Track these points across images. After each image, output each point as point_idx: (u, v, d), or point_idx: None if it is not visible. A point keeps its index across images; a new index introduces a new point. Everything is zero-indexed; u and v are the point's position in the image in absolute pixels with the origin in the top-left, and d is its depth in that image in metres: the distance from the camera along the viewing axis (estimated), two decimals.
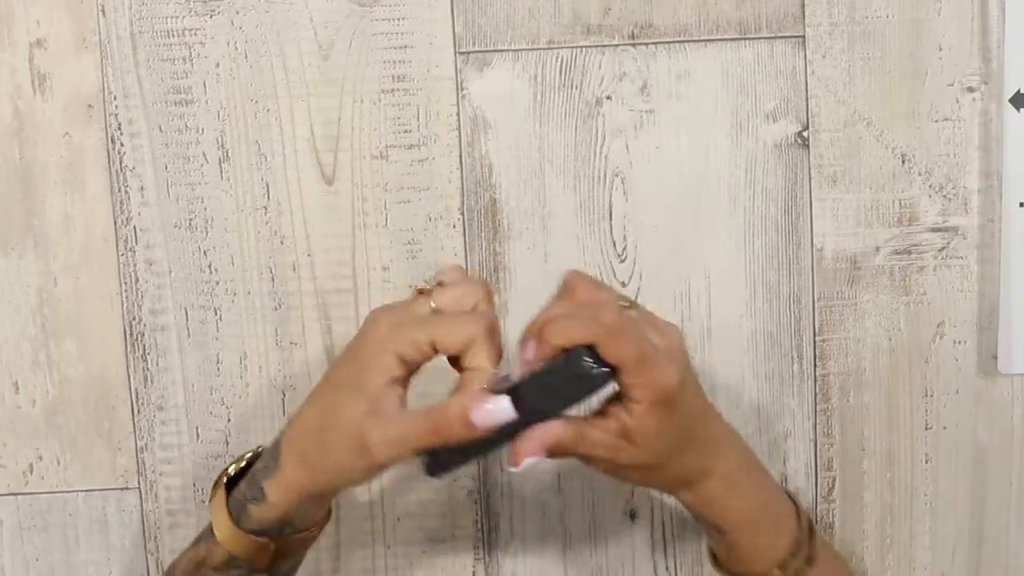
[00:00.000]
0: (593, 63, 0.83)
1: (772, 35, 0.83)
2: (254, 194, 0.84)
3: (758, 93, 0.84)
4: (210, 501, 0.72)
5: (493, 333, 0.67)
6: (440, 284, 0.69)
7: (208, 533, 0.72)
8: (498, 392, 0.64)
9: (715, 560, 0.77)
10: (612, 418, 0.66)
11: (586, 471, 0.87)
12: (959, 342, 0.86)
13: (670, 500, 0.87)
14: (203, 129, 0.84)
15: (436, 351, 0.66)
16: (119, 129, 0.84)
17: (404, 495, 0.87)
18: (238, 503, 0.71)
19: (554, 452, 0.66)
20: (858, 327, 0.86)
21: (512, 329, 0.85)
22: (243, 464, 0.74)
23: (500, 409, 0.64)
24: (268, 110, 0.84)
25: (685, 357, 0.68)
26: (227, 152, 0.84)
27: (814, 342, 0.86)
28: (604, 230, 0.85)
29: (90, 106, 0.84)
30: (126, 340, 0.86)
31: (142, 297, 0.85)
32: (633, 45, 0.83)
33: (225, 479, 0.73)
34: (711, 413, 0.72)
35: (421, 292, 0.68)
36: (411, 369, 0.67)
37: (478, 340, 0.66)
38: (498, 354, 0.67)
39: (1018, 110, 0.82)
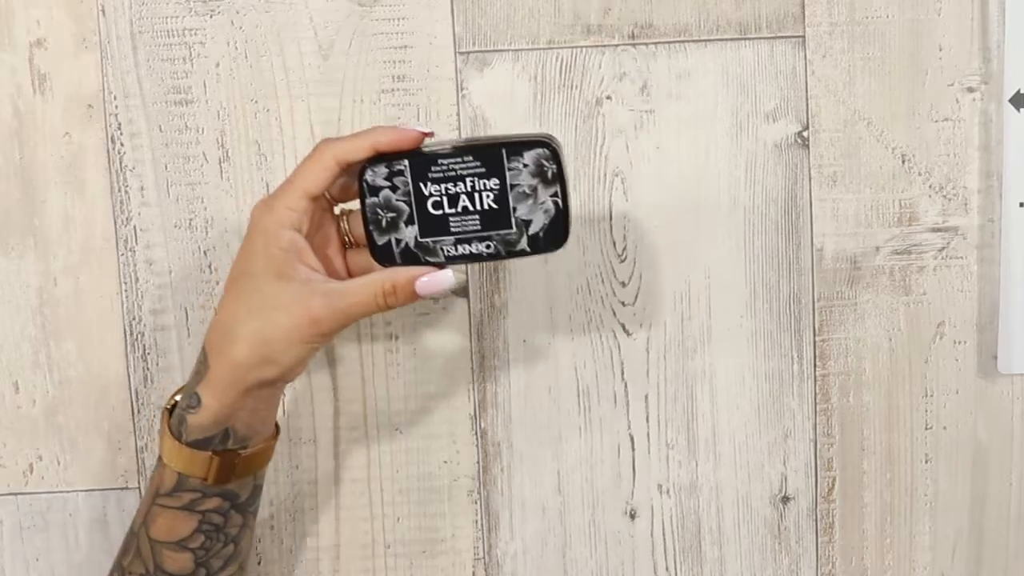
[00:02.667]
0: (593, 63, 0.83)
1: (772, 35, 0.83)
2: (254, 194, 0.84)
3: (758, 93, 0.84)
4: (159, 432, 0.73)
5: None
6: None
7: (158, 462, 0.72)
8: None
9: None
10: None
11: (586, 471, 0.87)
12: (959, 342, 0.86)
13: (670, 500, 0.87)
14: (203, 129, 0.84)
15: (311, 193, 0.68)
16: (119, 129, 0.84)
17: (404, 495, 0.87)
18: (177, 417, 0.71)
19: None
20: (858, 327, 0.86)
21: (512, 328, 0.86)
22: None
23: (446, 279, 0.68)
24: (268, 110, 0.84)
25: None
26: (227, 152, 0.84)
27: (814, 342, 0.86)
28: (604, 230, 0.85)
29: (90, 106, 0.84)
30: (126, 340, 0.86)
31: (142, 297, 0.85)
32: (633, 45, 0.83)
33: (169, 406, 0.73)
34: None
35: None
36: (305, 228, 0.68)
37: (343, 140, 0.69)
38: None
39: (1018, 110, 0.82)
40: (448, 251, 0.69)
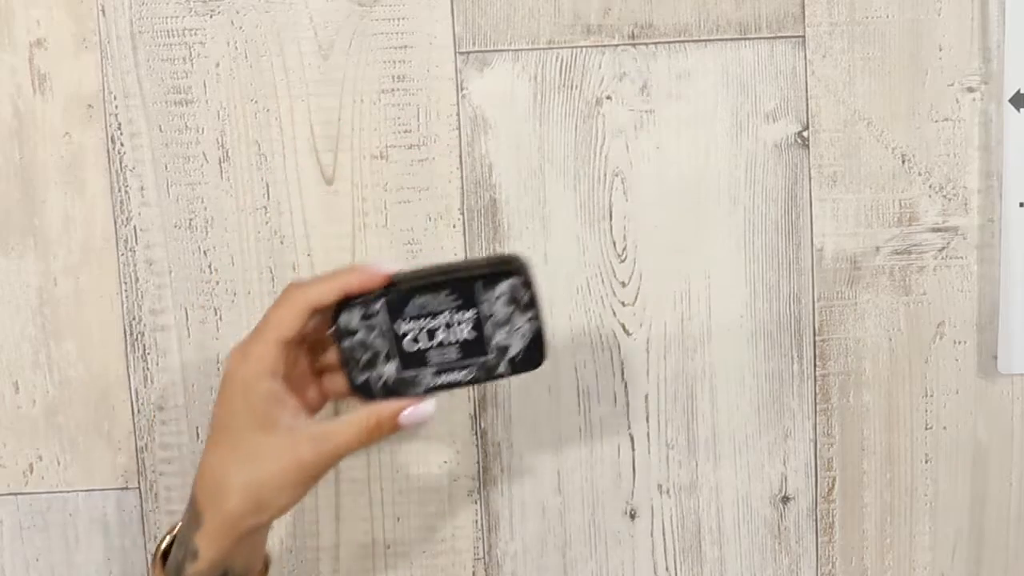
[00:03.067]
0: (593, 63, 0.83)
1: (772, 35, 0.83)
2: (254, 194, 0.84)
3: (758, 93, 0.84)
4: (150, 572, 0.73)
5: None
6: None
7: None
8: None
9: None
10: None
11: (586, 471, 0.87)
12: (959, 342, 0.86)
13: (670, 500, 0.87)
14: (203, 129, 0.84)
15: (285, 340, 0.67)
16: (119, 129, 0.84)
17: (404, 495, 0.87)
18: (174, 567, 0.71)
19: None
20: (858, 327, 0.86)
21: None
22: (175, 532, 0.74)
23: (427, 410, 0.69)
24: (268, 110, 0.84)
25: None
26: (227, 152, 0.84)
27: (814, 342, 0.86)
28: (604, 230, 0.85)
29: (90, 106, 0.84)
30: (126, 340, 0.86)
31: (142, 297, 0.85)
32: (633, 45, 0.83)
33: (160, 552, 0.73)
34: None
35: None
36: (282, 372, 0.68)
37: (315, 284, 0.68)
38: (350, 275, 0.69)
39: (1018, 110, 0.82)
40: (428, 382, 0.69)
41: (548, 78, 0.84)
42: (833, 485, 0.87)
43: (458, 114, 0.84)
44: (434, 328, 0.68)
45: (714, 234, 0.85)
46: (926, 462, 0.87)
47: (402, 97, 0.84)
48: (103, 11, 0.83)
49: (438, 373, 0.69)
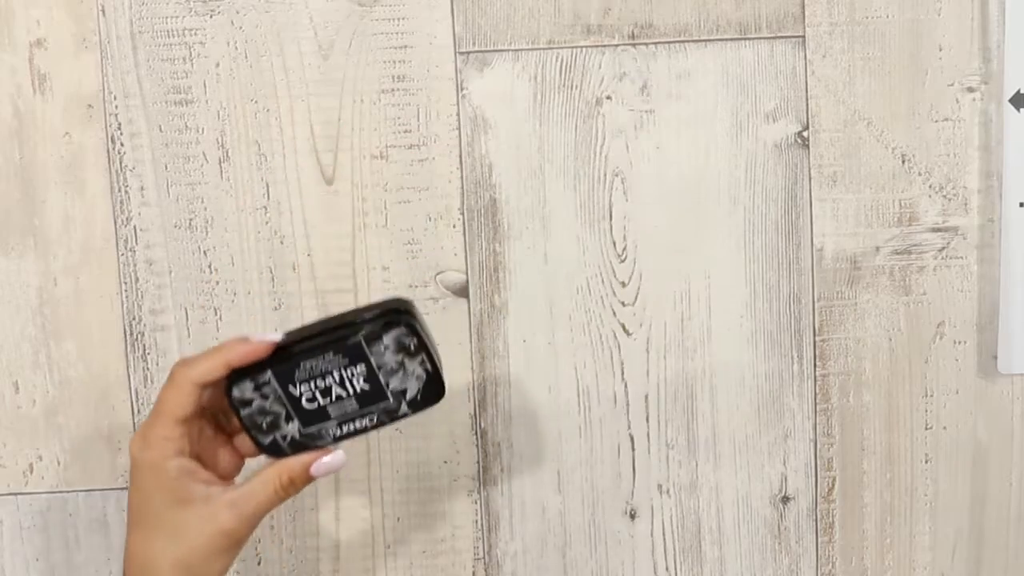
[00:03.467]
0: (593, 63, 0.83)
1: (772, 35, 0.83)
2: (254, 194, 0.84)
3: (758, 93, 0.84)
4: None
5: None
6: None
7: None
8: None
9: None
10: None
11: (586, 471, 0.87)
12: (959, 342, 0.86)
13: (670, 500, 0.87)
14: (203, 129, 0.84)
15: (181, 419, 0.68)
16: (119, 129, 0.84)
17: (404, 495, 0.87)
18: None
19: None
20: (858, 327, 0.86)
21: (512, 328, 0.86)
22: None
23: (337, 459, 0.70)
24: (268, 110, 0.84)
25: None
26: (227, 152, 0.84)
27: (814, 342, 0.86)
28: (604, 230, 0.85)
29: (90, 106, 0.84)
30: (126, 340, 0.86)
31: (142, 297, 0.85)
32: (633, 45, 0.83)
33: None
34: None
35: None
36: (187, 451, 0.69)
37: (200, 360, 0.68)
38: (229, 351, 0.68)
39: (1018, 110, 0.82)
40: (334, 432, 0.69)
41: (548, 78, 0.84)
42: (833, 485, 0.87)
43: (458, 114, 0.84)
44: (327, 386, 0.68)
45: (714, 234, 0.85)
46: (926, 462, 0.87)
47: (402, 97, 0.84)
48: (103, 11, 0.83)
49: (341, 423, 0.69)
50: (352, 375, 0.68)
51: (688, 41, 0.83)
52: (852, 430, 0.87)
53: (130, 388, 0.86)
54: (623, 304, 0.85)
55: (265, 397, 0.68)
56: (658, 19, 0.83)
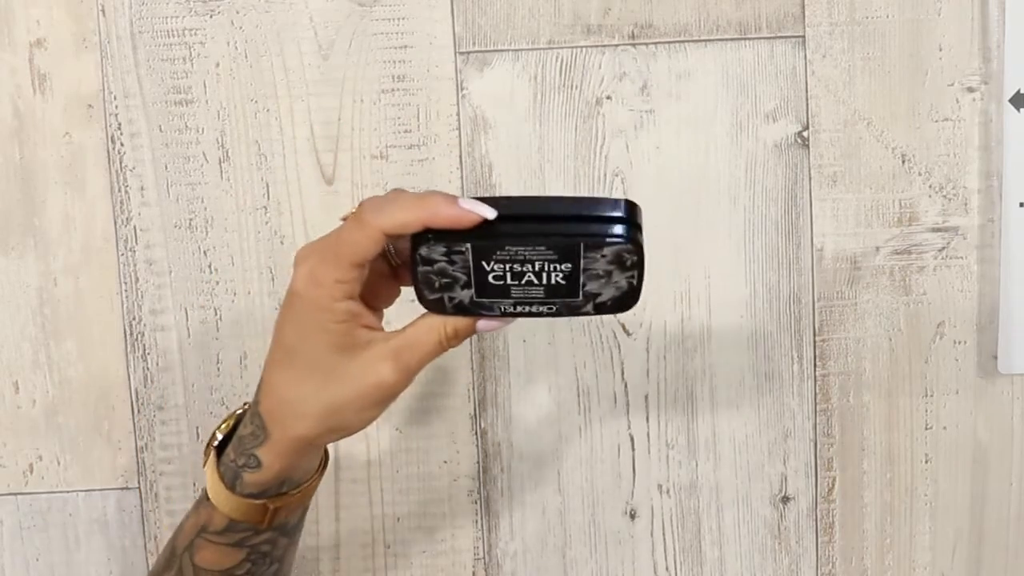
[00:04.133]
0: (593, 63, 0.83)
1: (772, 35, 0.83)
2: (254, 194, 0.84)
3: (758, 93, 0.84)
4: (204, 465, 0.70)
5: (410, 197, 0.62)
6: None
7: (205, 498, 0.70)
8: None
9: None
10: None
11: (586, 471, 0.87)
12: (959, 342, 0.86)
13: (670, 500, 0.87)
14: (203, 129, 0.84)
15: (359, 264, 0.63)
16: (119, 129, 0.84)
17: (404, 495, 0.87)
18: (231, 471, 0.68)
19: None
20: (858, 327, 0.86)
21: (512, 328, 0.86)
22: (232, 423, 0.71)
23: (507, 321, 0.64)
24: (268, 110, 0.84)
25: None
26: (227, 152, 0.84)
27: (814, 342, 0.86)
28: None
29: (90, 106, 0.84)
30: (126, 340, 0.86)
31: (142, 297, 0.85)
32: (633, 45, 0.83)
33: (216, 443, 0.70)
34: None
35: (344, 219, 0.65)
36: (357, 295, 0.64)
37: (395, 209, 0.62)
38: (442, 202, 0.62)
39: (1018, 110, 0.82)
40: (504, 308, 0.63)
41: (548, 78, 0.84)
42: (833, 485, 0.87)
43: (458, 114, 0.84)
44: (522, 272, 0.62)
45: (714, 234, 0.85)
46: (926, 462, 0.87)
47: (402, 97, 0.84)
48: (103, 11, 0.83)
49: (517, 304, 0.63)
50: (554, 269, 0.62)
51: (688, 41, 0.83)
52: (852, 430, 0.87)
53: (130, 388, 0.86)
54: None
55: (452, 263, 0.62)
56: (658, 19, 0.83)
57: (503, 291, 0.63)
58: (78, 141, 0.84)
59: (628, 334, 0.86)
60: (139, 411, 0.86)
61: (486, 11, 0.83)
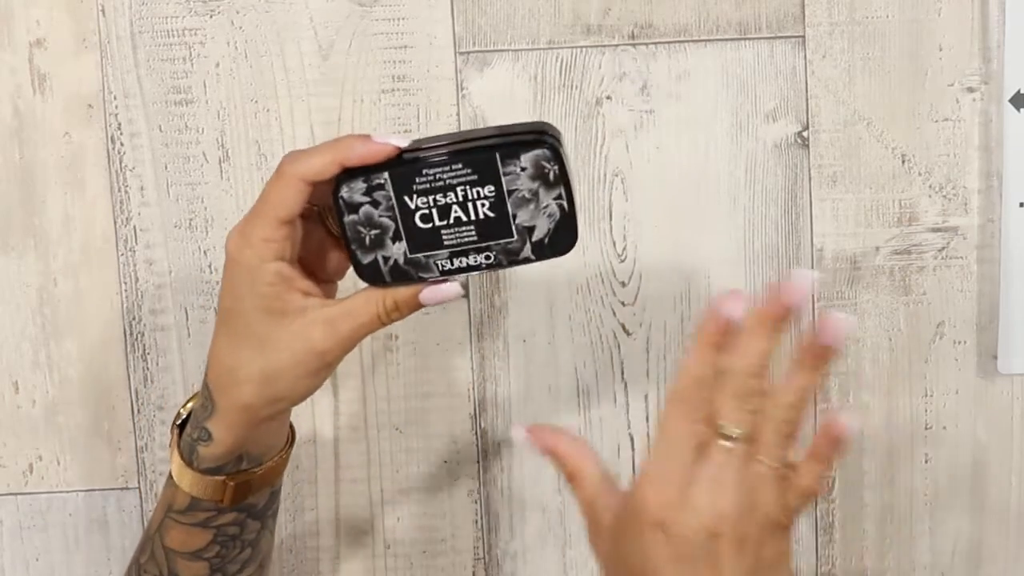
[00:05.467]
0: (593, 63, 0.83)
1: (772, 35, 0.83)
2: (254, 194, 0.84)
3: (758, 93, 0.84)
4: (169, 445, 0.70)
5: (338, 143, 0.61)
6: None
7: (170, 477, 0.70)
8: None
9: None
10: None
11: None
12: (959, 342, 0.86)
13: None
14: (203, 129, 0.84)
15: (286, 219, 0.61)
16: (119, 129, 0.84)
17: (404, 495, 0.87)
18: (188, 445, 0.68)
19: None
20: (858, 327, 0.86)
21: (512, 328, 0.85)
22: (191, 407, 0.70)
23: (451, 288, 0.62)
24: (268, 110, 0.84)
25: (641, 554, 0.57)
26: (227, 152, 0.84)
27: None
28: (604, 230, 0.85)
29: (90, 106, 0.84)
30: (126, 340, 0.86)
31: (142, 297, 0.85)
32: (633, 45, 0.83)
33: (179, 420, 0.70)
34: None
35: None
36: (288, 256, 0.63)
37: (313, 159, 0.61)
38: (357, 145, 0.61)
39: (1018, 110, 0.82)
40: (443, 265, 0.62)
41: (548, 78, 0.84)
42: (833, 485, 0.87)
43: (458, 114, 0.84)
44: (447, 204, 0.60)
45: (714, 234, 0.85)
46: (926, 462, 0.87)
47: (402, 97, 0.84)
48: (103, 11, 0.83)
49: (453, 256, 0.61)
50: (478, 195, 0.60)
51: (688, 41, 0.83)
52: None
53: (130, 388, 0.86)
54: (623, 304, 0.85)
55: (376, 204, 0.60)
56: (658, 19, 0.83)
57: (434, 238, 0.61)
58: (78, 141, 0.84)
59: (628, 334, 0.86)
60: (139, 411, 0.86)
61: (486, 11, 0.83)
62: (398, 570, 0.88)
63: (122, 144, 0.84)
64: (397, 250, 0.62)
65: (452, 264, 0.62)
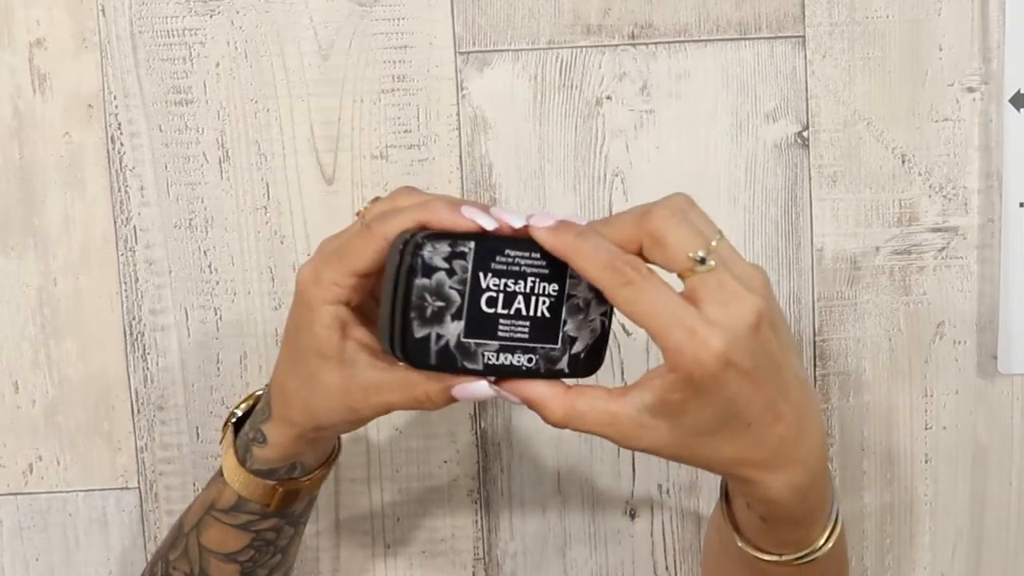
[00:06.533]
0: (593, 63, 0.84)
1: (772, 35, 0.83)
2: (254, 194, 0.84)
3: (758, 93, 0.84)
4: (221, 442, 0.72)
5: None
6: (376, 199, 0.64)
7: (218, 475, 0.71)
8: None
9: (728, 509, 0.68)
10: (626, 392, 0.60)
11: (586, 471, 0.87)
12: (959, 342, 0.86)
13: (670, 500, 0.87)
14: (203, 129, 0.84)
15: (359, 272, 0.61)
16: (119, 129, 0.84)
17: (404, 495, 0.87)
18: (244, 444, 0.70)
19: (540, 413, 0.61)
20: (858, 327, 0.86)
21: None
22: (251, 403, 0.72)
23: (482, 390, 0.60)
24: (268, 110, 0.84)
25: (747, 328, 0.56)
26: (227, 152, 0.84)
27: (814, 342, 0.86)
28: None
29: (90, 106, 0.84)
30: (126, 340, 0.86)
31: (142, 297, 0.85)
32: (633, 45, 0.83)
33: (233, 419, 0.72)
34: (788, 401, 0.59)
35: (358, 215, 0.64)
36: (354, 302, 0.63)
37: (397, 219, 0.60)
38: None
39: (1018, 110, 0.82)
40: (489, 358, 0.60)
41: (548, 78, 0.84)
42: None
43: (458, 114, 0.84)
44: (514, 293, 0.59)
45: None
46: (926, 462, 0.87)
47: (402, 97, 0.84)
48: (103, 11, 0.83)
49: (500, 351, 0.60)
50: (543, 291, 0.60)
51: (688, 41, 0.83)
52: (852, 430, 0.87)
53: (130, 388, 0.86)
54: None
55: (451, 273, 0.58)
56: (658, 19, 0.83)
57: (491, 325, 0.60)
58: (78, 141, 0.84)
59: (628, 334, 0.86)
60: (139, 411, 0.86)
61: (486, 11, 0.83)
62: (398, 570, 0.88)
63: (122, 144, 0.84)
64: (453, 330, 0.59)
65: (498, 360, 0.60)
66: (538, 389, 0.60)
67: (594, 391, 0.59)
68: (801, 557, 0.65)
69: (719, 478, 0.87)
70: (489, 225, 0.59)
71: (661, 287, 0.56)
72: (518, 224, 0.59)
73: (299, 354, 0.65)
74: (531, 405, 0.60)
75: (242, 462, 0.70)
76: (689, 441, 0.59)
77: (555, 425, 0.59)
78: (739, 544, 0.66)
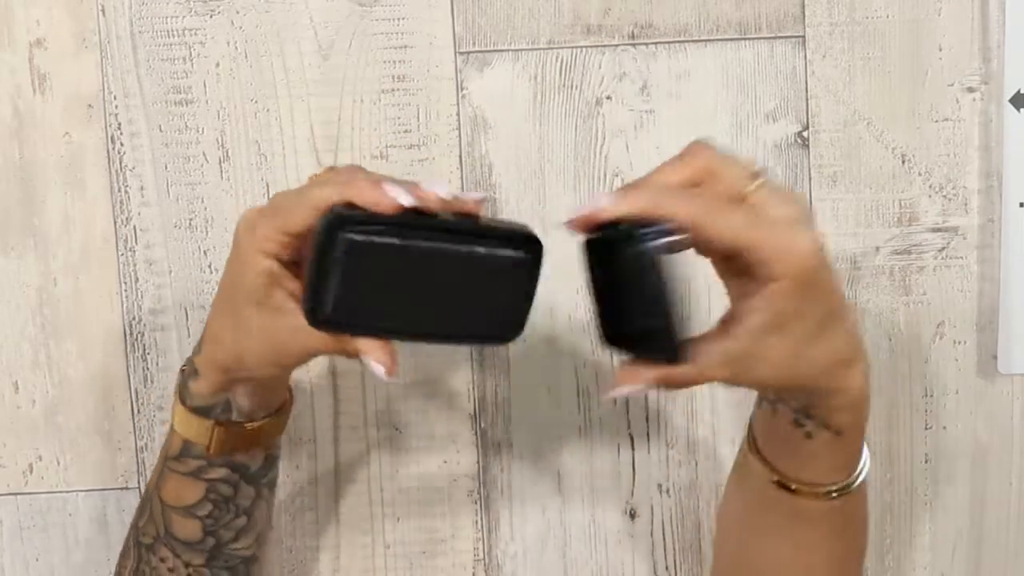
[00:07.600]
0: (593, 63, 0.84)
1: (772, 35, 0.83)
2: (254, 194, 0.84)
3: (758, 93, 0.84)
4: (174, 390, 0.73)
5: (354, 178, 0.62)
6: (331, 168, 0.67)
7: (171, 427, 0.73)
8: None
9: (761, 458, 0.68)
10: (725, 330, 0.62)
11: (586, 471, 0.87)
12: (959, 342, 0.86)
13: (670, 500, 0.87)
14: (203, 129, 0.84)
15: (290, 232, 0.63)
16: (119, 129, 0.84)
17: (404, 495, 0.87)
18: (182, 382, 0.71)
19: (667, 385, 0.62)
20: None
21: None
22: None
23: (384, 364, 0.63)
24: (268, 110, 0.84)
25: (811, 220, 0.60)
26: (227, 152, 0.84)
27: None
28: None
29: (90, 106, 0.84)
30: (126, 340, 0.86)
31: (142, 297, 0.85)
32: (633, 45, 0.84)
33: (185, 367, 0.73)
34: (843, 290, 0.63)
35: (310, 178, 0.66)
36: (284, 258, 0.64)
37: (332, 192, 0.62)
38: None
39: (1018, 110, 0.82)
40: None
41: (548, 78, 0.84)
42: None
43: (458, 114, 0.84)
44: (419, 264, 0.62)
45: None
46: (926, 462, 0.87)
47: (402, 97, 0.84)
48: (103, 11, 0.83)
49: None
50: (445, 260, 0.62)
51: (688, 41, 0.83)
52: None
53: (130, 388, 0.86)
54: None
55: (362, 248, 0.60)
56: (658, 19, 0.83)
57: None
58: (78, 141, 0.84)
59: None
60: (139, 411, 0.86)
61: (486, 11, 0.83)
62: (398, 570, 0.88)
63: (122, 144, 0.84)
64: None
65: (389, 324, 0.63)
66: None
67: (700, 338, 0.62)
68: (847, 485, 0.66)
69: (719, 476, 0.87)
70: (407, 201, 0.61)
71: (738, 208, 0.60)
72: (407, 202, 0.61)
73: (230, 295, 0.67)
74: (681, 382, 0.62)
75: (182, 400, 0.71)
76: (802, 349, 0.60)
77: (678, 385, 0.62)
78: (776, 488, 0.66)
